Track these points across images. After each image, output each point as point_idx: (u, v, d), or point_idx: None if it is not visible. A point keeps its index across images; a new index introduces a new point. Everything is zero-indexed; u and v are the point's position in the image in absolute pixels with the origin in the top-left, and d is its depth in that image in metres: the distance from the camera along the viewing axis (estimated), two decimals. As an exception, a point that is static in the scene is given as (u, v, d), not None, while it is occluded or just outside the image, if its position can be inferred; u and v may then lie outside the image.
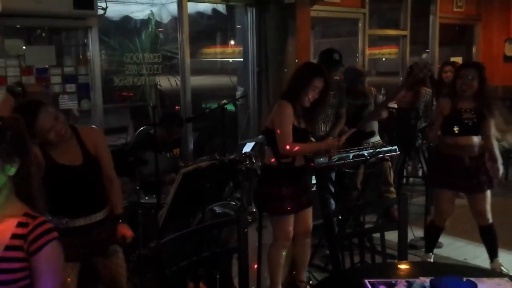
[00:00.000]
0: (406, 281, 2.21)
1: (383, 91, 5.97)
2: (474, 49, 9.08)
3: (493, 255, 4.38)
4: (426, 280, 2.18)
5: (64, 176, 2.82)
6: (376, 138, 5.45)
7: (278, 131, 3.52)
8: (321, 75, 3.57)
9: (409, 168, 7.18)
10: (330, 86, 3.74)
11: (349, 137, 3.81)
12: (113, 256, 3.03)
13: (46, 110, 2.71)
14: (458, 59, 7.64)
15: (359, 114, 5.34)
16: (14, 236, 1.79)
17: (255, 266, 3.67)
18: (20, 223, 1.80)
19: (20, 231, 1.79)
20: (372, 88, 5.55)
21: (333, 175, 4.92)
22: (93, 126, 3.11)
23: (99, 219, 2.95)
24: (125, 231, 3.02)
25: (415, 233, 5.28)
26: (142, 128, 4.77)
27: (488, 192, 4.23)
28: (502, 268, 4.30)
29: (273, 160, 3.63)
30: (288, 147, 3.49)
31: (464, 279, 2.09)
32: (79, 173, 2.86)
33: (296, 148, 3.53)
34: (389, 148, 4.88)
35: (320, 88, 3.56)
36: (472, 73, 4.02)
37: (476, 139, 4.16)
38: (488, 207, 4.27)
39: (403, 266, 2.63)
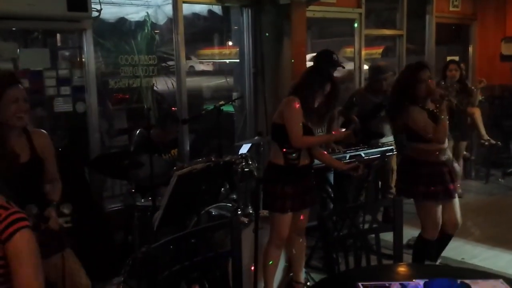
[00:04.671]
0: (400, 284, 2.20)
1: None
2: (470, 49, 9.06)
3: (438, 257, 4.36)
4: (420, 283, 2.16)
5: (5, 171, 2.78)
6: (389, 139, 5.43)
7: (290, 124, 3.61)
8: (331, 80, 3.72)
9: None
10: (338, 90, 3.83)
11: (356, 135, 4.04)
12: (55, 258, 2.93)
13: (19, 86, 2.83)
14: (455, 58, 7.61)
15: (375, 112, 5.34)
16: None
17: (252, 268, 3.67)
18: None
19: None
20: None
21: (331, 177, 4.94)
22: (43, 130, 3.13)
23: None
24: (53, 217, 2.80)
25: (412, 233, 5.26)
26: (137, 131, 4.77)
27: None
28: None
29: (282, 151, 3.68)
30: (300, 138, 3.61)
31: (458, 281, 2.08)
32: (24, 170, 2.87)
33: (308, 139, 3.67)
34: (385, 148, 4.89)
35: (327, 91, 3.70)
36: (429, 73, 3.93)
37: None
38: None
39: (397, 269, 2.63)
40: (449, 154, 4.16)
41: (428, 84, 3.87)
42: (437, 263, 4.40)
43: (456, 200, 4.11)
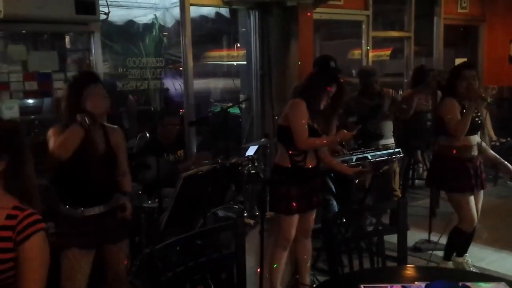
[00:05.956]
0: (402, 286, 2.20)
1: (400, 92, 5.95)
2: (479, 50, 9.01)
3: (465, 251, 4.51)
4: (422, 285, 2.17)
5: (86, 161, 3.05)
6: (390, 140, 5.43)
7: (295, 125, 3.62)
8: (336, 82, 3.75)
9: (420, 170, 7.17)
10: (345, 92, 3.88)
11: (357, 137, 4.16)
12: (121, 243, 3.28)
13: (99, 82, 3.13)
14: (463, 61, 7.60)
15: (372, 114, 5.35)
16: (3, 228, 1.89)
17: (258, 269, 3.68)
18: (9, 215, 1.90)
19: (9, 222, 1.89)
20: (390, 90, 5.57)
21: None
22: (117, 126, 3.38)
23: (111, 208, 3.22)
24: (127, 204, 3.27)
25: (420, 235, 5.27)
26: (142, 133, 4.80)
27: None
28: (469, 262, 4.47)
29: (287, 153, 3.72)
30: (305, 140, 3.61)
31: (460, 283, 2.08)
32: (100, 161, 3.13)
33: (312, 141, 3.66)
34: (392, 150, 4.87)
35: (333, 93, 3.73)
36: (475, 74, 4.13)
37: (478, 137, 4.27)
38: None
39: (400, 271, 2.63)
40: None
41: (469, 83, 4.05)
42: (465, 259, 4.48)
43: (481, 193, 4.34)
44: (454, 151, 4.16)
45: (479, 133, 4.29)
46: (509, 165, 4.38)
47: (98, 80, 3.14)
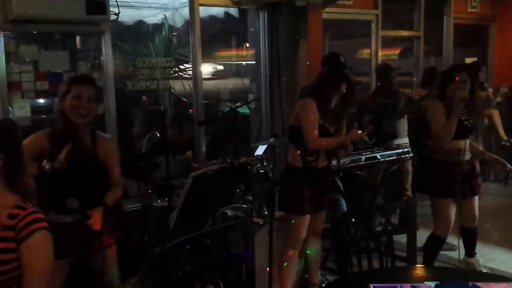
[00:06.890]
0: (411, 286, 2.20)
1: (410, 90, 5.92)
2: (489, 50, 8.95)
3: (473, 253, 4.47)
4: (432, 285, 2.16)
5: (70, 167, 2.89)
6: (405, 140, 5.41)
7: (305, 125, 3.62)
8: (346, 80, 3.74)
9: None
10: (354, 90, 3.86)
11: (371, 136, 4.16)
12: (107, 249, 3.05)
13: (90, 86, 2.99)
14: (473, 60, 7.56)
15: (387, 114, 5.33)
16: (5, 228, 1.89)
17: (267, 269, 3.68)
18: (10, 214, 1.91)
19: (10, 222, 1.90)
20: (406, 90, 5.54)
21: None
22: (109, 135, 3.25)
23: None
24: (97, 217, 2.88)
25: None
26: (151, 133, 4.83)
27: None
28: (479, 263, 4.45)
29: (298, 153, 3.71)
30: (316, 140, 3.60)
31: (470, 283, 2.08)
32: (77, 167, 2.92)
33: (323, 141, 3.66)
34: (402, 150, 4.87)
35: (343, 92, 3.72)
36: (465, 76, 3.93)
37: (468, 142, 4.08)
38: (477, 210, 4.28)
39: (409, 271, 2.62)
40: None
41: (457, 86, 3.90)
42: (475, 259, 4.46)
43: (475, 198, 4.18)
44: (441, 155, 4.01)
45: (470, 137, 4.12)
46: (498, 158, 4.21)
47: (86, 82, 2.99)
